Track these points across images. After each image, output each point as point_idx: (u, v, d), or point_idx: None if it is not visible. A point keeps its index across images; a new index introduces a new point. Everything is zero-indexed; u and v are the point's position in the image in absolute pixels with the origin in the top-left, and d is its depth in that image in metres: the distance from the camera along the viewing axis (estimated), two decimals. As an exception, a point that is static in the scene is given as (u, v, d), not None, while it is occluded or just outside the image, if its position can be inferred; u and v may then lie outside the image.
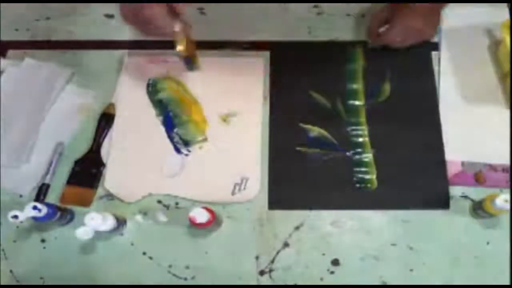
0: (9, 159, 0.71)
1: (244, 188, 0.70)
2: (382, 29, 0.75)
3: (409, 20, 0.72)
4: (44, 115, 0.75)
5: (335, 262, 0.66)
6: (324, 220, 0.68)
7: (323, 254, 0.66)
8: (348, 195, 0.69)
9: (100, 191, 0.71)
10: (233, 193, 0.70)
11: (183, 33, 0.66)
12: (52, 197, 0.70)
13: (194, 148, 0.73)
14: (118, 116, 0.75)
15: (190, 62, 0.74)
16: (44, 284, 0.66)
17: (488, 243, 0.66)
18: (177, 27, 0.64)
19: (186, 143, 0.73)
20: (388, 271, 0.65)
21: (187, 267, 0.66)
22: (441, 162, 0.70)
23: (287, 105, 0.75)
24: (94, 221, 0.60)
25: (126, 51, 0.80)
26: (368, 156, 0.71)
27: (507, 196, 0.60)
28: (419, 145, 0.71)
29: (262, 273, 0.66)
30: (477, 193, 0.68)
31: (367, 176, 0.70)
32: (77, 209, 0.69)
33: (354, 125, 0.73)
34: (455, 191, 0.69)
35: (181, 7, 0.63)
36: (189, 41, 0.68)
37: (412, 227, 0.67)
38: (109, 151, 0.73)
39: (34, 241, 0.68)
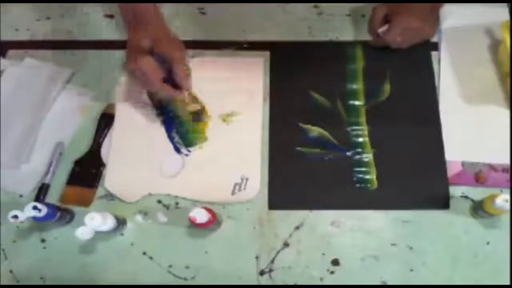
0: (9, 159, 0.71)
1: (244, 188, 0.70)
2: (382, 29, 0.75)
3: (408, 20, 0.72)
4: (44, 115, 0.75)
5: (335, 262, 0.66)
6: (324, 220, 0.68)
7: (323, 254, 0.66)
8: (348, 195, 0.69)
9: (100, 191, 0.71)
10: (233, 193, 0.70)
11: (184, 95, 0.70)
12: (52, 197, 0.70)
13: (194, 148, 0.73)
14: (118, 116, 0.75)
15: (196, 117, 0.73)
16: (44, 284, 0.66)
17: (488, 243, 0.66)
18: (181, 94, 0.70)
19: (186, 143, 0.73)
20: (388, 271, 0.65)
21: (187, 267, 0.66)
22: (441, 162, 0.70)
23: (287, 105, 0.75)
24: (94, 221, 0.60)
25: (126, 51, 0.80)
26: (368, 156, 0.71)
27: (507, 196, 0.60)
28: (419, 145, 0.71)
29: (262, 273, 0.66)
30: (477, 193, 0.68)
31: (367, 176, 0.70)
32: (77, 209, 0.69)
33: (354, 125, 0.73)
34: (455, 191, 0.69)
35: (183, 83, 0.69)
36: (192, 99, 0.71)
37: (412, 227, 0.67)
38: (109, 151, 0.73)
39: (34, 241, 0.68)
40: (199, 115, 0.73)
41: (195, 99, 0.72)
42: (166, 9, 0.83)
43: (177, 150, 0.73)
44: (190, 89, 0.71)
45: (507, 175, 0.69)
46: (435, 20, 0.76)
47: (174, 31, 0.81)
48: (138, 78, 0.68)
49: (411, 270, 0.65)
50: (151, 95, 0.75)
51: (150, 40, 0.67)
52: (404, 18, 0.72)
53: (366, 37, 0.80)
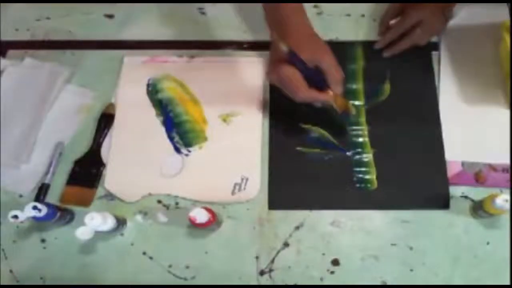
0: (9, 159, 0.71)
1: (244, 188, 0.70)
2: (394, 21, 0.76)
3: (420, 14, 0.73)
4: (44, 115, 0.75)
5: (335, 262, 0.66)
6: (324, 220, 0.68)
7: (323, 254, 0.66)
8: (348, 195, 0.69)
9: (100, 191, 0.71)
10: (233, 193, 0.70)
11: (333, 96, 0.65)
12: (52, 197, 0.70)
13: (194, 148, 0.73)
14: (118, 116, 0.75)
15: (345, 114, 0.69)
16: (44, 284, 0.66)
17: (488, 243, 0.66)
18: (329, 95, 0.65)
19: (186, 143, 0.73)
20: (388, 271, 0.65)
21: (187, 267, 0.66)
22: (441, 162, 0.70)
23: (287, 105, 0.74)
24: (94, 221, 0.60)
25: (126, 51, 0.80)
26: (368, 156, 0.71)
27: (507, 196, 0.60)
28: (419, 145, 0.71)
29: (262, 273, 0.66)
30: (477, 193, 0.68)
31: (367, 176, 0.70)
32: (77, 209, 0.69)
33: (354, 125, 0.73)
34: (455, 191, 0.69)
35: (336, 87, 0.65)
36: (339, 99, 0.66)
37: (412, 227, 0.67)
38: (109, 151, 0.73)
39: (34, 241, 0.68)
40: (347, 113, 0.68)
41: (341, 99, 0.67)
42: (166, 9, 0.84)
43: (177, 150, 0.73)
44: (340, 92, 0.65)
45: (507, 175, 0.69)
46: (445, 19, 0.77)
47: (174, 31, 0.82)
48: (281, 87, 0.64)
49: (411, 270, 0.65)
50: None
51: (289, 46, 0.60)
52: (416, 11, 0.73)
53: (366, 37, 0.80)
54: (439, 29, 0.77)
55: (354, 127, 0.73)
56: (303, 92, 0.63)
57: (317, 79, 0.64)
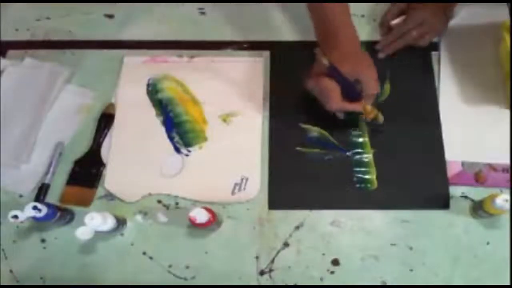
0: (9, 159, 0.71)
1: (244, 188, 0.70)
2: (395, 22, 0.76)
3: (422, 14, 0.73)
4: (44, 115, 0.75)
5: (335, 262, 0.66)
6: (324, 220, 0.68)
7: (323, 254, 0.66)
8: (348, 195, 0.69)
9: (100, 191, 0.71)
10: (233, 193, 0.70)
11: (362, 105, 0.66)
12: (52, 197, 0.70)
13: (194, 148, 0.73)
14: (118, 116, 0.75)
15: (374, 122, 0.70)
16: (44, 284, 0.66)
17: (488, 243, 0.66)
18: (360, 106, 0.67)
19: (186, 143, 0.73)
20: (388, 271, 0.65)
21: (187, 267, 0.66)
22: (441, 162, 0.70)
23: (287, 105, 0.75)
24: (94, 221, 0.60)
25: (126, 51, 0.80)
26: (368, 156, 0.71)
27: (507, 196, 0.60)
28: (419, 145, 0.72)
29: (262, 273, 0.66)
30: (477, 193, 0.68)
31: (367, 176, 0.70)
32: (77, 209, 0.69)
33: (354, 125, 0.73)
34: (455, 191, 0.69)
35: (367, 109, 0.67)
36: (368, 107, 0.67)
37: (412, 227, 0.67)
38: (109, 151, 0.73)
39: (34, 241, 0.68)
40: (376, 121, 0.70)
41: (371, 108, 0.68)
42: (166, 9, 0.84)
43: (177, 150, 0.73)
44: (369, 104, 0.67)
45: (507, 175, 0.69)
46: (447, 18, 0.77)
47: (174, 31, 0.82)
48: (317, 94, 0.66)
49: (411, 270, 0.65)
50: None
51: (331, 60, 0.62)
52: (418, 12, 0.73)
53: (366, 37, 0.80)
54: (440, 29, 0.77)
55: (354, 127, 0.73)
56: (336, 103, 0.65)
57: (350, 90, 0.65)
